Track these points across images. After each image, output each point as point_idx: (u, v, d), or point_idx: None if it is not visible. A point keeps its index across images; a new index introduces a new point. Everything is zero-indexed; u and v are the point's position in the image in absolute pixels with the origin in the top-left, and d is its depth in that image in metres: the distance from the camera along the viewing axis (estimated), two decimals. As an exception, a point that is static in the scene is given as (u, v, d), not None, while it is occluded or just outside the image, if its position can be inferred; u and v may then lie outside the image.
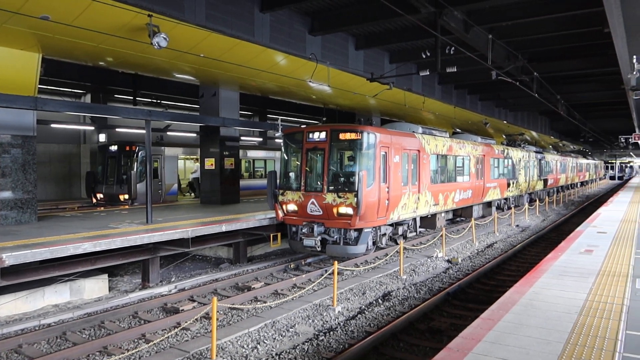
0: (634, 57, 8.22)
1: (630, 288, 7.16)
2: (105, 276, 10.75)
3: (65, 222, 12.42)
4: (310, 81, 14.70)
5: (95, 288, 10.43)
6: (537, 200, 27.50)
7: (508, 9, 12.91)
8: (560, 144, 50.18)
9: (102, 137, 24.14)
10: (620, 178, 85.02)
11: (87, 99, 25.36)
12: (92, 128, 24.84)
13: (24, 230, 10.63)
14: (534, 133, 37.04)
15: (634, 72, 8.41)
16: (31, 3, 8.56)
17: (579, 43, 15.81)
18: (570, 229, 15.38)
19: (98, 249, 9.32)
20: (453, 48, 13.45)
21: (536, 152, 29.29)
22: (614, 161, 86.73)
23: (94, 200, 19.95)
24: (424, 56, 14.52)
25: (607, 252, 9.94)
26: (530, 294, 6.91)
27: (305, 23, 13.62)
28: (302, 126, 13.36)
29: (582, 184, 51.21)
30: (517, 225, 20.90)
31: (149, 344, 7.28)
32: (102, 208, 17.28)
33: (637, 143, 35.05)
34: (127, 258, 10.63)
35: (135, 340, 7.74)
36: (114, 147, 19.87)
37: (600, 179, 70.15)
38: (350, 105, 22.95)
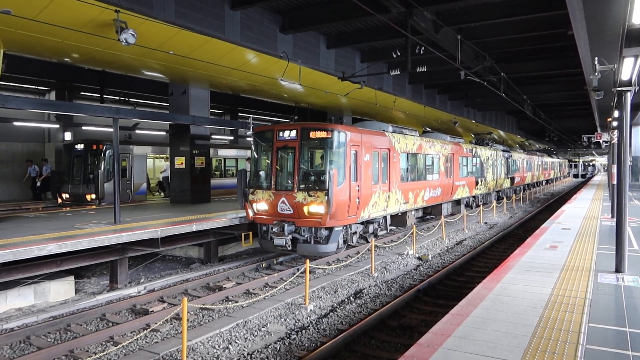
0: (596, 58, 8.47)
1: (593, 282, 7.41)
2: (72, 278, 10.46)
3: (29, 222, 12.04)
4: (281, 79, 14.65)
5: (61, 290, 10.14)
6: (505, 198, 28.11)
7: (476, 10, 13.18)
8: (527, 143, 51.44)
9: (68, 136, 23.41)
10: (583, 176, 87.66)
11: (52, 96, 24.58)
12: (57, 126, 24.11)
13: (-16, 232, 10.25)
14: (501, 132, 37.85)
15: (596, 74, 8.66)
16: (-9, -4, 8.29)
17: (544, 45, 16.27)
18: (536, 226, 15.78)
19: (64, 250, 9.07)
20: (423, 48, 13.63)
21: (503, 150, 29.90)
22: (577, 160, 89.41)
23: (60, 201, 19.41)
24: (394, 56, 14.66)
25: (571, 248, 10.25)
26: (498, 289, 7.07)
27: (277, 21, 13.57)
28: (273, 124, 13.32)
29: (547, 182, 52.57)
30: (486, 223, 21.33)
31: (118, 347, 7.14)
32: (68, 208, 16.82)
33: (599, 142, 36.18)
34: (95, 259, 10.38)
35: (103, 343, 7.58)
36: (80, 146, 19.38)
37: (564, 177, 72.17)
38: (322, 104, 22.98)
